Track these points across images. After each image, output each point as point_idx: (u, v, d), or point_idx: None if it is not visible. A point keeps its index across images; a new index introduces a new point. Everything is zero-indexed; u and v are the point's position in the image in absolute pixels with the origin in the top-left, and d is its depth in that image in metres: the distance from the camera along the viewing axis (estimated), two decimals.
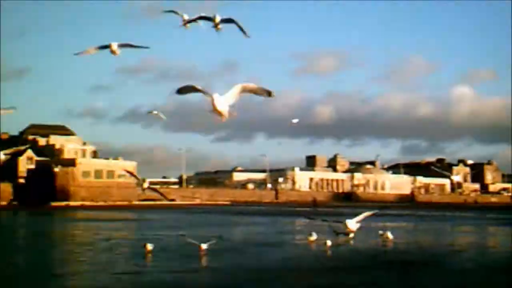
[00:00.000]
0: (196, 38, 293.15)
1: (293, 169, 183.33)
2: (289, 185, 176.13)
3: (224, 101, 9.31)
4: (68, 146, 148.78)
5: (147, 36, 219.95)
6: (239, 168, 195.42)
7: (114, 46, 12.64)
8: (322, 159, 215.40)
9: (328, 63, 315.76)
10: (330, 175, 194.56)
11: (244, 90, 9.40)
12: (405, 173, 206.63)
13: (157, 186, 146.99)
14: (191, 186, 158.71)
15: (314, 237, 34.61)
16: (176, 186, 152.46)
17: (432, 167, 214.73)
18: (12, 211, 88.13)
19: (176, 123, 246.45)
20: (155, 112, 17.89)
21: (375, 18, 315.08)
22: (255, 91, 9.42)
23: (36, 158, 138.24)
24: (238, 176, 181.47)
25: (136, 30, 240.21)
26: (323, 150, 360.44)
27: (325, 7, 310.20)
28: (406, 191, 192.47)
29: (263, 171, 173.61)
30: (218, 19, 13.60)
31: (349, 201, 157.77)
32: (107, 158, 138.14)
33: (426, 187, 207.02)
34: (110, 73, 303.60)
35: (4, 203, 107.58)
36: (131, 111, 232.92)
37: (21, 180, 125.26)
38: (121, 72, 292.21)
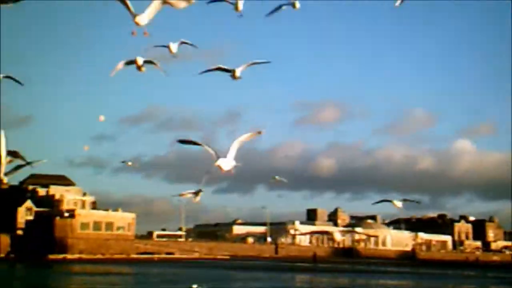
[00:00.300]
0: (200, 87, 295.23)
1: (293, 223, 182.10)
2: (289, 239, 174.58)
3: (229, 162, 9.89)
4: (68, 196, 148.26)
5: (152, 84, 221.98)
6: (239, 221, 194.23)
7: (140, 61, 13.08)
8: (323, 212, 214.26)
9: (329, 114, 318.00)
10: (331, 229, 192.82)
11: (241, 143, 10.04)
12: (406, 228, 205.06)
13: (164, 239, 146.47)
14: (190, 239, 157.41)
15: None
16: (183, 239, 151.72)
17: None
18: (9, 263, 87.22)
19: (177, 174, 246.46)
20: (129, 163, 17.70)
21: (377, 69, 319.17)
22: (249, 138, 10.23)
23: (35, 208, 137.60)
24: (238, 230, 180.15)
25: (141, 76, 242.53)
26: (324, 203, 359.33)
27: (327, 58, 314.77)
28: (407, 247, 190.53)
29: (263, 224, 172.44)
30: (238, 73, 13.72)
31: (349, 256, 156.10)
32: (106, 209, 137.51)
33: (428, 243, 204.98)
34: (113, 122, 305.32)
35: (1, 255, 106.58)
36: (133, 161, 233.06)
37: (19, 232, 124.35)
38: (124, 121, 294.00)
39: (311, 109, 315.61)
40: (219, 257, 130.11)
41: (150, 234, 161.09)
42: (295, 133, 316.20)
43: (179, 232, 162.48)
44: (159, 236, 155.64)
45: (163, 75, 13.67)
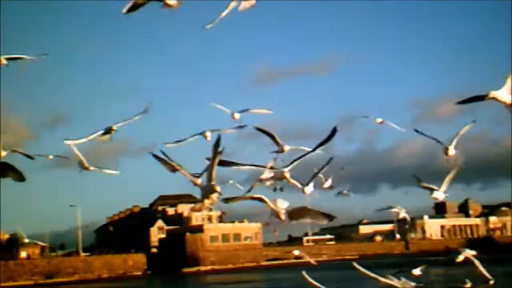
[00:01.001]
0: (312, 94, 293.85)
1: (422, 218, 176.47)
2: (419, 234, 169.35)
3: (284, 208, 9.18)
4: (195, 213, 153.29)
5: (263, 100, 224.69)
6: (365, 221, 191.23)
7: (208, 134, 13.10)
8: (453, 204, 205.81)
9: (447, 109, 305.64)
10: (462, 221, 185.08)
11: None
12: None
13: (312, 244, 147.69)
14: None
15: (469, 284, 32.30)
16: (333, 242, 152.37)
17: None
18: (147, 280, 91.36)
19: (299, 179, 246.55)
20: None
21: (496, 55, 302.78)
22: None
23: (166, 227, 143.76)
24: (364, 229, 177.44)
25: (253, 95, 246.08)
26: (452, 195, 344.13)
27: (438, 52, 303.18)
28: None
29: (390, 222, 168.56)
30: (287, 149, 12.93)
31: (486, 247, 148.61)
32: (232, 222, 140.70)
33: None
34: (232, 139, 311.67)
35: (138, 273, 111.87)
36: (254, 174, 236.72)
37: (153, 250, 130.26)
38: (243, 139, 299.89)
39: (427, 106, 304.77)
40: (347, 257, 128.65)
41: (291, 239, 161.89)
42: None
43: (327, 236, 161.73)
44: (308, 241, 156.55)
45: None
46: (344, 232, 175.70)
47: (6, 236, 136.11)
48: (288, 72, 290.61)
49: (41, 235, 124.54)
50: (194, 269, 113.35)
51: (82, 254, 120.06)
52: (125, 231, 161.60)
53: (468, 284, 32.25)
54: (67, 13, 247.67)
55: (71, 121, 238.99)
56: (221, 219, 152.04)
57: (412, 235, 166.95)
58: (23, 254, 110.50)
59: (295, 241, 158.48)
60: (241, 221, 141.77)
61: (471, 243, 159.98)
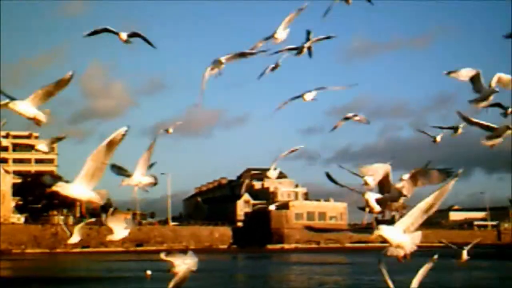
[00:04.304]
0: (408, 74, 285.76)
1: None
2: None
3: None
4: (281, 189, 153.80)
5: (359, 75, 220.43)
6: (456, 207, 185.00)
7: (309, 96, 12.46)
8: None
9: None
10: None
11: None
12: None
13: None
14: None
15: None
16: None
17: None
18: (231, 255, 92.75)
19: (387, 162, 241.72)
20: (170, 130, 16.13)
21: None
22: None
23: (252, 201, 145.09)
24: (455, 216, 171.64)
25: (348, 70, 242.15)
26: None
27: None
28: None
29: (483, 209, 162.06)
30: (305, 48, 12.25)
31: None
32: (318, 200, 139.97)
33: None
34: (321, 114, 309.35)
35: (224, 246, 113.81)
36: (343, 151, 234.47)
37: (239, 224, 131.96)
38: (331, 113, 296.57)
39: None
40: (434, 244, 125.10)
41: (378, 222, 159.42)
42: None
43: None
44: None
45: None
46: (434, 218, 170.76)
47: None
48: (385, 45, 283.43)
49: (132, 202, 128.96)
50: (278, 246, 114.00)
51: (171, 223, 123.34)
52: (212, 202, 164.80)
53: None
54: None
55: (167, 88, 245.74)
56: (306, 197, 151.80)
57: (506, 225, 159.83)
58: None
59: (382, 224, 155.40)
60: (326, 200, 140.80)
61: None
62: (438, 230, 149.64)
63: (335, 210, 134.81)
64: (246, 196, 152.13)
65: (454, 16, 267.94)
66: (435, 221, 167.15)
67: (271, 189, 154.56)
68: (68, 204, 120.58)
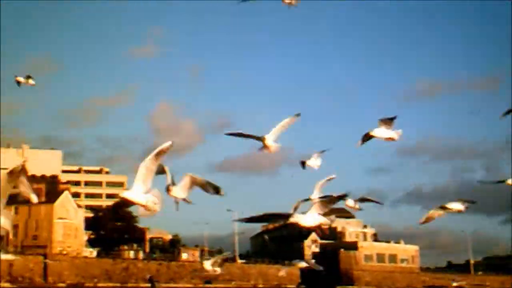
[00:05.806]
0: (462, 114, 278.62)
1: None
2: None
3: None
4: (349, 229, 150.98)
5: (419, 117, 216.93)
6: None
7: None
8: None
9: None
10: None
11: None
12: None
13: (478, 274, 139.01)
14: (480, 272, 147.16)
15: None
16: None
17: None
18: None
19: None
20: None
21: None
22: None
23: (319, 240, 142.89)
24: None
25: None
26: None
27: None
28: None
29: None
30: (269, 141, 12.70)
31: None
32: (387, 241, 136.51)
33: None
34: (390, 154, 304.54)
35: (292, 286, 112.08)
36: (411, 193, 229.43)
37: None
38: (399, 153, 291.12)
39: None
40: None
41: (450, 265, 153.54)
42: None
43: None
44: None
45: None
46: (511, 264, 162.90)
47: (169, 236, 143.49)
48: (450, 85, 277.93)
49: (200, 237, 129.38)
50: (348, 287, 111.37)
51: (239, 261, 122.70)
52: (279, 240, 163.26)
53: None
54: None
55: (232, 126, 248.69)
56: (375, 238, 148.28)
57: None
58: (184, 255, 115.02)
59: (455, 268, 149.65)
60: (397, 242, 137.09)
61: None
62: None
63: (406, 253, 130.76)
64: (313, 235, 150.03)
65: None
66: None
67: (339, 229, 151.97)
68: (138, 238, 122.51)
